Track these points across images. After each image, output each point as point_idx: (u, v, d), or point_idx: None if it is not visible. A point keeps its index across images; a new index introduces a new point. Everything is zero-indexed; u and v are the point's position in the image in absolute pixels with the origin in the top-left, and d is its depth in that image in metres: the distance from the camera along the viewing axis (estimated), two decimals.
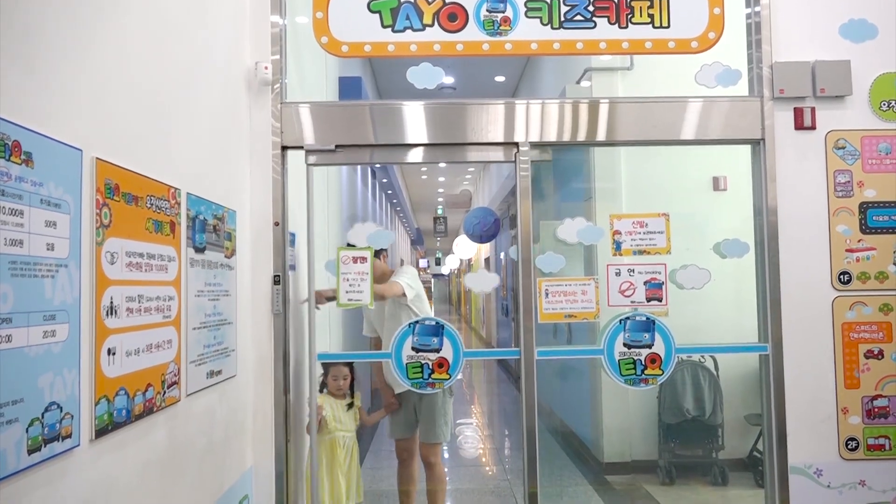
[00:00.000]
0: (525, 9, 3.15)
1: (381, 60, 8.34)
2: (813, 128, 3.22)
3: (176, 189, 2.29)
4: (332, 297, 3.29)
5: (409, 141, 3.27)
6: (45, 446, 1.53)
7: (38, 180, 1.53)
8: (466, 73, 9.05)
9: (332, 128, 3.27)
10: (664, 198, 3.94)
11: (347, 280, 3.20)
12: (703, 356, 4.86)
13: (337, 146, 3.43)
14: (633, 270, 3.24)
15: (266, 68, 3.15)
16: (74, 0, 1.74)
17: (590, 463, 5.41)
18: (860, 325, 3.18)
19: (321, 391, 3.60)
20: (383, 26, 3.14)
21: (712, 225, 3.79)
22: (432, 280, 30.37)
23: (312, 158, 3.24)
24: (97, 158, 1.79)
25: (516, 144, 3.26)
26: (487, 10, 3.15)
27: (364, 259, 3.19)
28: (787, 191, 3.21)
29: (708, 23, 3.17)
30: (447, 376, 3.18)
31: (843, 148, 3.22)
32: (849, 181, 3.21)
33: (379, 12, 3.14)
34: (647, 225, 3.26)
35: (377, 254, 3.77)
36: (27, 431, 1.47)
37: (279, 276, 3.19)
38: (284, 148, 3.24)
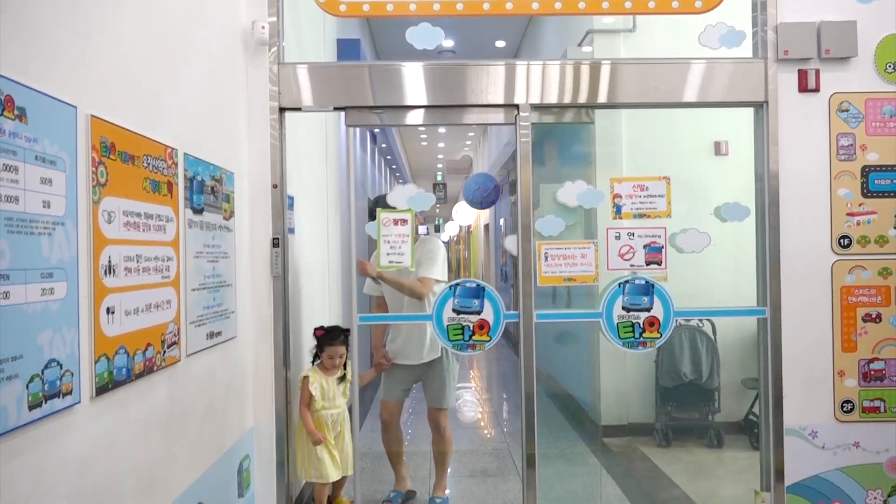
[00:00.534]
0: None
1: (380, 23, 8.22)
2: (817, 90, 3.18)
3: (173, 149, 2.27)
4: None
5: (409, 102, 3.24)
6: (45, 402, 1.54)
7: (32, 136, 1.51)
8: (467, 38, 8.93)
9: (330, 89, 3.24)
10: (665, 163, 3.91)
11: (388, 242, 3.21)
12: (700, 321, 4.88)
13: (335, 108, 3.40)
14: (633, 234, 3.24)
15: (263, 28, 3.10)
16: None
17: (587, 426, 5.47)
18: (859, 289, 3.19)
19: (312, 363, 3.51)
20: None
21: (713, 190, 3.77)
22: None
23: (352, 118, 3.25)
24: (92, 116, 1.77)
25: (517, 106, 3.23)
26: None
27: (405, 221, 3.20)
28: (789, 154, 3.19)
29: None
30: (488, 338, 3.19)
31: (847, 111, 3.18)
32: (851, 144, 3.19)
33: None
34: (647, 188, 3.24)
35: None
36: (27, 387, 1.48)
37: (278, 238, 3.18)
38: (282, 109, 3.21)
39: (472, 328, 3.19)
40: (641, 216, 3.24)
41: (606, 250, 3.23)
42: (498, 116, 3.27)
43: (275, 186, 3.19)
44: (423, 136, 15.82)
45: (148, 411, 2.09)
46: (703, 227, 3.21)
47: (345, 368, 3.52)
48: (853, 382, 3.18)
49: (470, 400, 7.10)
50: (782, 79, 3.19)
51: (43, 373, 1.53)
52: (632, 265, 3.24)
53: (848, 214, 3.18)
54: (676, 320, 3.25)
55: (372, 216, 3.54)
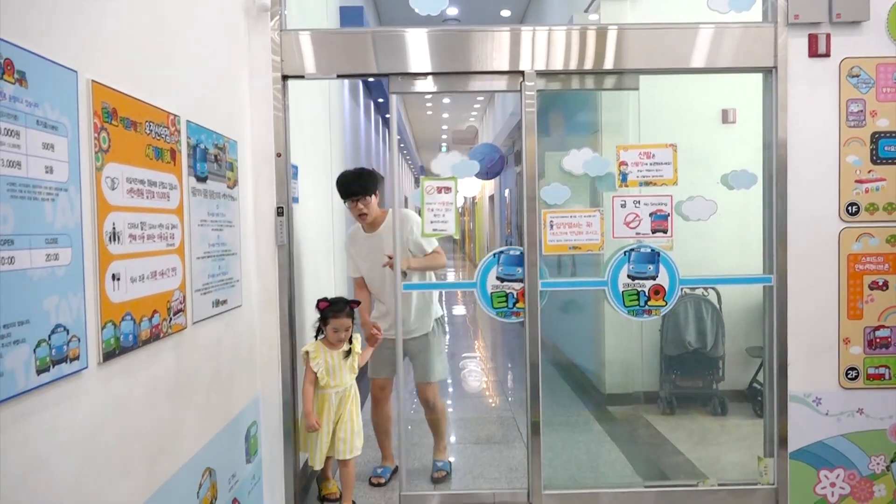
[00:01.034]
0: None
1: None
2: (827, 55, 3.13)
3: (175, 116, 2.26)
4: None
5: (412, 70, 3.20)
6: (53, 367, 1.55)
7: (32, 101, 1.50)
8: (471, 6, 8.82)
9: (333, 56, 3.21)
10: (672, 131, 3.87)
11: (432, 210, 3.22)
12: (705, 290, 4.88)
13: (338, 75, 3.37)
14: (639, 202, 3.22)
15: None
16: None
17: (592, 394, 5.50)
18: (866, 257, 3.17)
19: (316, 338, 3.43)
20: None
21: (720, 158, 3.73)
22: None
23: (395, 85, 3.23)
24: (93, 81, 1.76)
25: (522, 73, 3.19)
26: None
27: (448, 189, 3.21)
28: (797, 120, 3.15)
29: None
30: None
31: (858, 76, 3.14)
32: (861, 110, 3.14)
33: None
34: (653, 156, 3.21)
35: (368, 192, 3.66)
36: (35, 352, 1.49)
37: (282, 207, 3.18)
38: (285, 77, 3.18)
39: (515, 296, 3.24)
40: (647, 184, 3.22)
41: (612, 218, 3.22)
42: (502, 83, 3.24)
43: (278, 155, 3.17)
44: (429, 106, 15.70)
45: (155, 377, 2.11)
46: (710, 196, 3.19)
47: (351, 342, 3.43)
48: (858, 350, 3.18)
49: (475, 369, 7.15)
50: (792, 44, 3.14)
51: (50, 338, 1.54)
52: (637, 233, 3.23)
53: (856, 181, 3.15)
54: (682, 289, 3.24)
55: (342, 195, 3.52)
